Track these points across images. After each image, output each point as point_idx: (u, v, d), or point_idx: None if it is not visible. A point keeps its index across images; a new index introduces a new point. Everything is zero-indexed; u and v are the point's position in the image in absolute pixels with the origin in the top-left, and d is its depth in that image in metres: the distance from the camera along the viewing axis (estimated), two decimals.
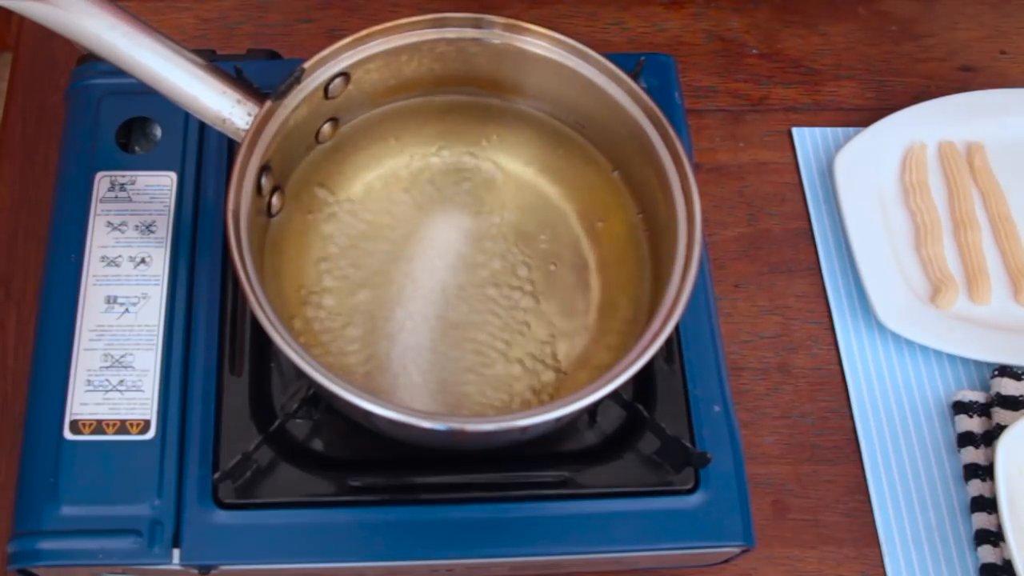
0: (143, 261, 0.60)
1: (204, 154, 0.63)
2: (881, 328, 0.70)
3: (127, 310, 0.58)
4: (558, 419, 0.48)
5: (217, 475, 0.53)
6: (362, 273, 0.59)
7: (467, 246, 0.60)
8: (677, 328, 0.58)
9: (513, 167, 0.63)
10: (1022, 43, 0.85)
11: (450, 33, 0.58)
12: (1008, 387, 0.67)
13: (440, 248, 0.60)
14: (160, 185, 0.62)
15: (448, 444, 0.56)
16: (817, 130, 0.79)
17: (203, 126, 0.62)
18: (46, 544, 0.53)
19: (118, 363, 0.57)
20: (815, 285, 0.73)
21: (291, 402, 0.56)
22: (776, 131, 0.79)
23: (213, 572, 0.54)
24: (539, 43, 0.58)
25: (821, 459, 0.67)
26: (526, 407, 0.55)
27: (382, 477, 0.55)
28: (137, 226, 0.61)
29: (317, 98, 0.57)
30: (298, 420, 0.56)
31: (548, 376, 0.57)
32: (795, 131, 0.79)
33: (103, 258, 0.60)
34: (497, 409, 0.56)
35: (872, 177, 0.75)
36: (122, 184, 0.62)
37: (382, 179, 0.62)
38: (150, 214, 0.61)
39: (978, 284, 0.72)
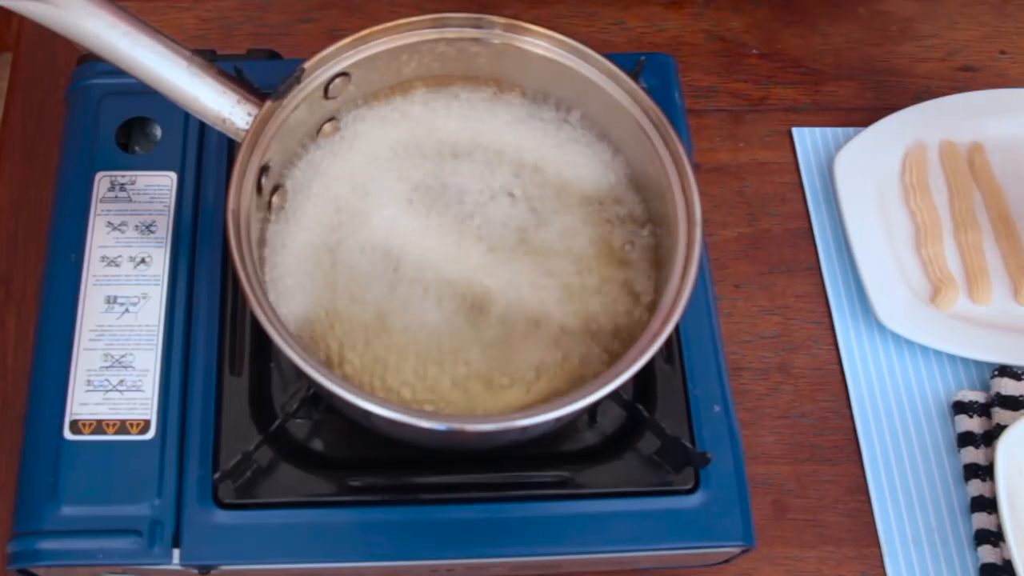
0: (143, 261, 0.60)
1: (204, 154, 0.63)
2: (881, 328, 0.70)
3: (127, 310, 0.58)
4: (558, 419, 0.48)
5: (217, 475, 0.53)
6: None
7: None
8: (677, 328, 0.58)
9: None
10: (1022, 43, 0.84)
11: (450, 33, 0.58)
12: (1008, 387, 0.67)
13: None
14: (160, 185, 0.62)
15: (448, 444, 0.56)
16: (817, 130, 0.79)
17: (203, 126, 0.61)
18: (46, 544, 0.53)
19: (118, 363, 0.57)
20: (815, 285, 0.73)
21: (291, 402, 0.56)
22: (776, 131, 0.79)
23: (213, 572, 0.54)
24: (539, 43, 0.58)
25: (821, 459, 0.67)
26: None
27: (382, 477, 0.55)
28: (137, 226, 0.61)
29: (317, 98, 0.57)
30: (298, 420, 0.56)
31: None
32: (795, 131, 0.79)
33: (103, 258, 0.60)
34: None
35: (872, 177, 0.75)
36: (122, 184, 0.62)
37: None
38: (150, 214, 0.61)
39: (978, 284, 0.72)
